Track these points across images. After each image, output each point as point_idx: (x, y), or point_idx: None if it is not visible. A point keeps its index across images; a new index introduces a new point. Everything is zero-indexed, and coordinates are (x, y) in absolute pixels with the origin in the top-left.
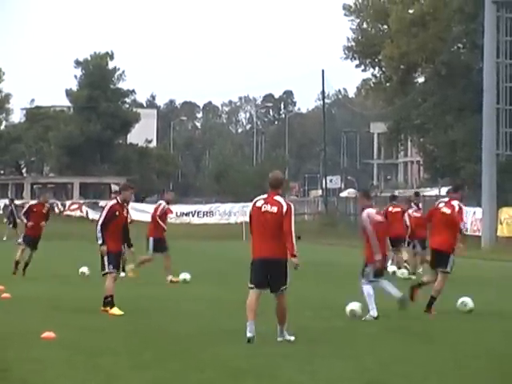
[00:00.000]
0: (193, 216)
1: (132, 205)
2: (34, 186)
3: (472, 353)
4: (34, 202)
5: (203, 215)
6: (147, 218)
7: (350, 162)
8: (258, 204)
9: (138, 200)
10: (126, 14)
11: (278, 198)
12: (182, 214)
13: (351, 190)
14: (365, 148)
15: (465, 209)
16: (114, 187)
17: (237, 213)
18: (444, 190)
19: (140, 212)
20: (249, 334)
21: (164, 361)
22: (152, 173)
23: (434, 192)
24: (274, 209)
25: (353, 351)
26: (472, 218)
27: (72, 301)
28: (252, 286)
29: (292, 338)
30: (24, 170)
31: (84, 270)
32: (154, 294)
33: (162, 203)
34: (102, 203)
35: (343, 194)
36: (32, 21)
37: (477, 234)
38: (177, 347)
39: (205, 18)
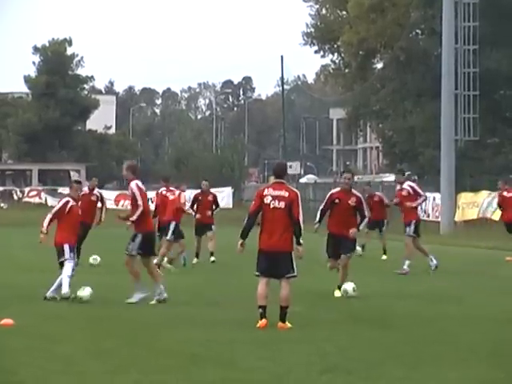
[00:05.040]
0: (152, 202)
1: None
2: None
3: (428, 338)
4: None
5: None
6: (107, 204)
7: (309, 148)
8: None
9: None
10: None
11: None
12: None
13: (310, 176)
14: (324, 134)
15: None
16: (74, 174)
17: None
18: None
19: None
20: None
21: (123, 348)
22: (111, 159)
23: (392, 178)
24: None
25: (312, 337)
26: (432, 203)
27: (31, 288)
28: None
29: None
30: None
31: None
32: (113, 282)
33: None
34: (60, 190)
35: (302, 180)
36: None
37: (438, 219)
38: (136, 334)
39: (163, 5)
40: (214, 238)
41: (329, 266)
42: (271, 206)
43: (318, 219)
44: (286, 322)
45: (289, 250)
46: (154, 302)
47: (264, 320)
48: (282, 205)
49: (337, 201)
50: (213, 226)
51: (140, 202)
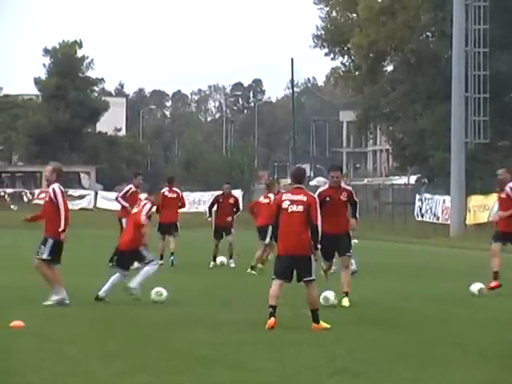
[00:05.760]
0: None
1: (101, 193)
2: (3, 175)
3: (435, 339)
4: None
5: None
6: (115, 206)
7: (319, 151)
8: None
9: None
10: (95, 1)
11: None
12: None
13: (320, 179)
14: (334, 136)
15: None
16: (84, 176)
17: (206, 201)
18: (413, 179)
19: (109, 201)
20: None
21: (131, 349)
22: (121, 161)
23: (402, 180)
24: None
25: (320, 339)
26: (442, 206)
27: (41, 290)
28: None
29: None
30: None
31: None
32: (123, 285)
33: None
34: (70, 192)
35: (312, 183)
36: None
37: (448, 222)
38: (144, 335)
39: (173, 7)
40: (235, 241)
41: (323, 269)
42: (289, 210)
43: None
44: (321, 322)
45: (307, 253)
46: (50, 302)
47: (273, 319)
48: (301, 208)
49: (328, 199)
50: (232, 230)
51: (62, 207)
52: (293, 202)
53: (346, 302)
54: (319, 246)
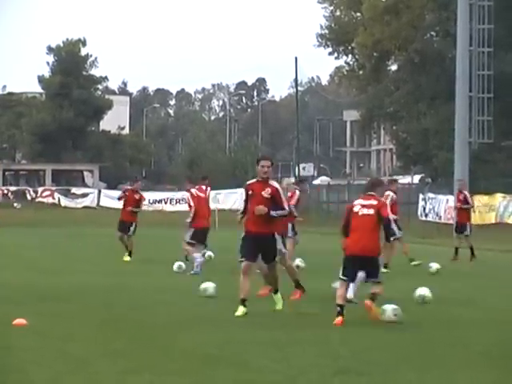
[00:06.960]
0: (165, 203)
1: (104, 192)
2: (6, 173)
3: (440, 340)
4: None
5: (176, 202)
6: (119, 205)
7: (322, 150)
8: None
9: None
10: (99, 0)
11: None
12: (155, 202)
13: (324, 178)
14: (338, 136)
15: None
16: (87, 174)
17: (209, 200)
18: (417, 178)
19: (112, 199)
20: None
21: (135, 349)
22: (125, 160)
23: (406, 180)
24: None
25: (325, 338)
26: (445, 206)
27: (44, 288)
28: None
29: None
30: None
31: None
32: (127, 284)
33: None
34: (74, 190)
35: (316, 182)
36: (3, 7)
37: (450, 222)
38: (148, 335)
39: (177, 6)
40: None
41: (242, 269)
42: (360, 213)
43: (241, 211)
44: (373, 306)
45: (376, 255)
46: None
47: (340, 317)
48: (371, 211)
49: (250, 192)
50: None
51: None
52: (363, 206)
53: (240, 310)
54: (398, 233)
